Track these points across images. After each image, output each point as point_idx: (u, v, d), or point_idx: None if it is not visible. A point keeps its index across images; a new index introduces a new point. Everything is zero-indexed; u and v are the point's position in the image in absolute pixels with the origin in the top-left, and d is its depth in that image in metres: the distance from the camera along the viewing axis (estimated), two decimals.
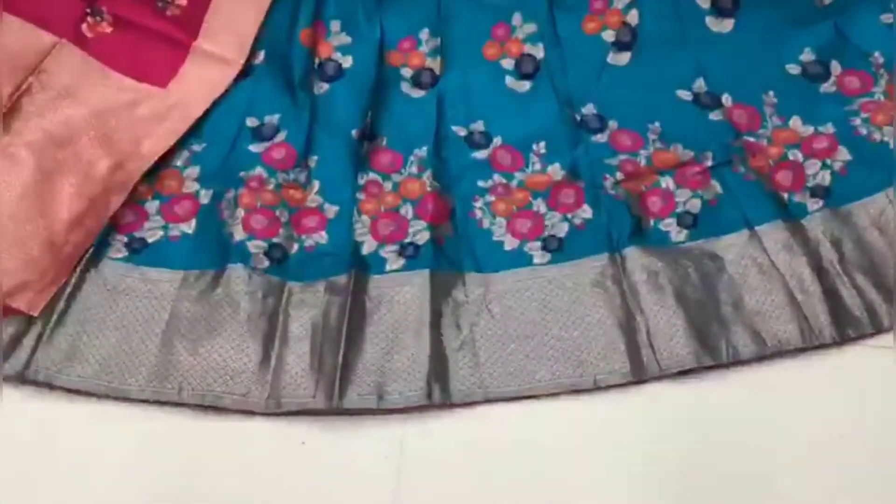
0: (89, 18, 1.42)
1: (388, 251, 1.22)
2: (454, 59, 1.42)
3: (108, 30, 1.43)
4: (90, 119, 1.34)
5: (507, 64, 1.42)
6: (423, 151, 1.31)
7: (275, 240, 1.22)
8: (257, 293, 1.16)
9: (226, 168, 1.27)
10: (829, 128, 1.31)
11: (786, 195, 1.26)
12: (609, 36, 1.42)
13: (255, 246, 1.21)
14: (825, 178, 1.27)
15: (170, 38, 1.42)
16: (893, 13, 1.39)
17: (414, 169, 1.29)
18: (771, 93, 1.36)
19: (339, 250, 1.21)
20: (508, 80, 1.40)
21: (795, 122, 1.33)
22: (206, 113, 1.36)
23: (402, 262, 1.20)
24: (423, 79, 1.40)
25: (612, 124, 1.35)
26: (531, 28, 1.43)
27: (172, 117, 1.35)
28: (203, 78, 1.40)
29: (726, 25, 1.41)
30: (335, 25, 1.43)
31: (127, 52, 1.41)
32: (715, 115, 1.34)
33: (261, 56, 1.40)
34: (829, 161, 1.28)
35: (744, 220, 1.24)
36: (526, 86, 1.40)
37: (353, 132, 1.31)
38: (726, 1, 1.41)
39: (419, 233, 1.23)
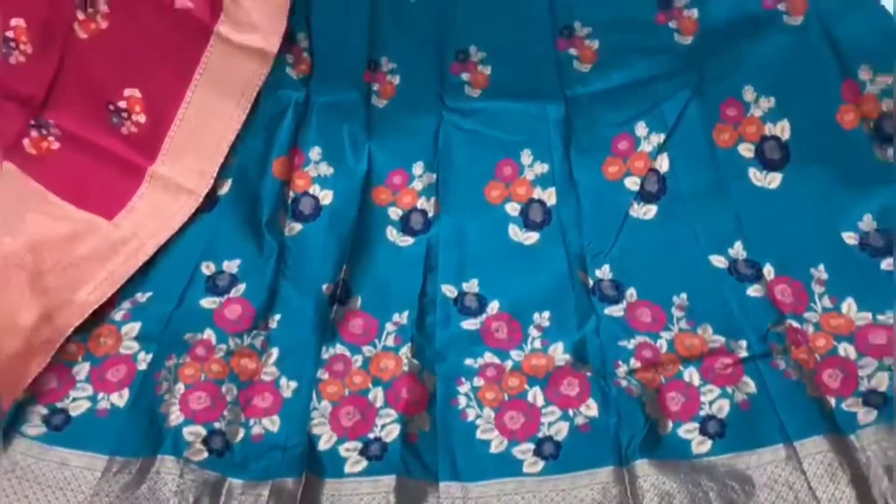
0: (33, 132, 1.24)
1: (349, 448, 1.03)
2: (451, 199, 1.25)
3: (55, 146, 1.25)
4: (23, 254, 1.17)
5: (512, 210, 1.23)
6: (403, 318, 1.12)
7: (216, 425, 1.04)
8: (188, 494, 0.97)
9: (170, 328, 1.10)
10: (891, 317, 1.08)
11: (832, 401, 1.06)
12: (633, 183, 1.23)
13: (193, 433, 1.03)
14: (882, 382, 1.07)
15: (123, 161, 1.26)
16: None
17: (390, 341, 1.11)
18: (822, 266, 1.15)
19: (291, 442, 1.03)
20: (512, 229, 1.22)
21: (850, 306, 1.12)
22: (156, 253, 1.15)
23: (364, 463, 1.03)
24: (413, 223, 1.22)
25: (631, 293, 1.15)
26: (542, 168, 1.24)
27: (116, 258, 1.18)
28: (157, 210, 1.22)
29: (773, 180, 1.21)
30: (315, 153, 1.26)
31: (73, 175, 1.25)
32: (754, 291, 1.14)
33: (227, 185, 1.23)
34: (887, 362, 1.06)
35: (781, 430, 1.05)
36: (532, 238, 1.21)
37: (324, 287, 1.13)
38: (773, 150, 1.21)
39: (388, 426, 1.04)
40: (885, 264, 1.17)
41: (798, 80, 1.22)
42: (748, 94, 1.24)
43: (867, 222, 1.19)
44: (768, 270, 1.18)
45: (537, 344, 1.14)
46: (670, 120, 1.26)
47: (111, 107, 1.28)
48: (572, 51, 1.28)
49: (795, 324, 1.14)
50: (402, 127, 1.31)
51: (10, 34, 1.26)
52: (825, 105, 1.22)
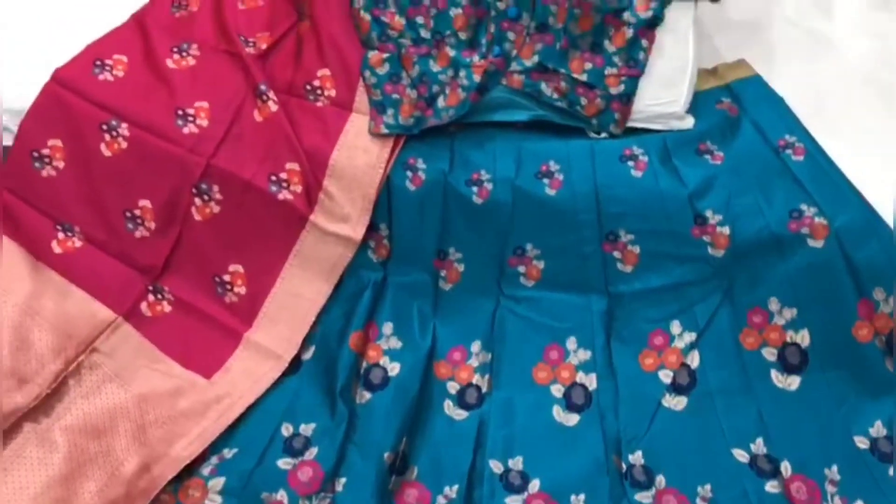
0: (150, 297, 1.45)
1: None
2: (503, 377, 1.42)
3: (167, 309, 1.46)
4: (131, 407, 1.36)
5: (557, 391, 1.38)
6: (453, 491, 1.27)
7: None
8: None
9: (250, 485, 1.26)
10: None
11: None
12: (666, 376, 1.38)
13: None
14: None
15: (223, 326, 1.46)
16: None
17: None
18: (835, 468, 1.28)
19: None
20: (556, 410, 1.37)
21: None
22: (244, 413, 1.32)
23: None
24: (469, 397, 1.38)
25: (660, 480, 1.29)
26: (586, 355, 1.40)
27: (210, 415, 1.36)
28: (249, 372, 1.41)
29: (792, 383, 1.36)
30: (388, 328, 1.43)
31: (180, 336, 1.45)
32: (771, 486, 1.28)
33: (310, 352, 1.41)
34: None
35: None
36: (573, 419, 1.36)
37: (386, 455, 1.28)
38: (794, 356, 1.35)
39: None
40: (893, 471, 1.28)
41: (819, 296, 1.37)
42: (773, 304, 1.39)
43: (878, 428, 1.32)
44: (785, 467, 1.30)
45: None
46: (702, 321, 1.42)
47: (217, 279, 1.48)
48: (616, 254, 1.45)
49: None
50: (464, 309, 1.48)
51: (137, 212, 1.48)
52: (842, 319, 1.36)
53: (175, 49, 1.57)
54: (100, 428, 1.35)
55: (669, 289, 1.44)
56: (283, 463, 1.33)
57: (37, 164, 1.49)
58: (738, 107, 1.54)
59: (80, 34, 1.56)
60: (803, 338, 1.38)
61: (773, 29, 1.71)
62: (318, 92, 1.53)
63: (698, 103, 1.53)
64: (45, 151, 1.49)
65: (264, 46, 1.57)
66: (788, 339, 1.39)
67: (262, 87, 1.51)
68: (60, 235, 1.49)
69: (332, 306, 1.48)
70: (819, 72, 1.62)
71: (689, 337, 1.42)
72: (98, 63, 1.53)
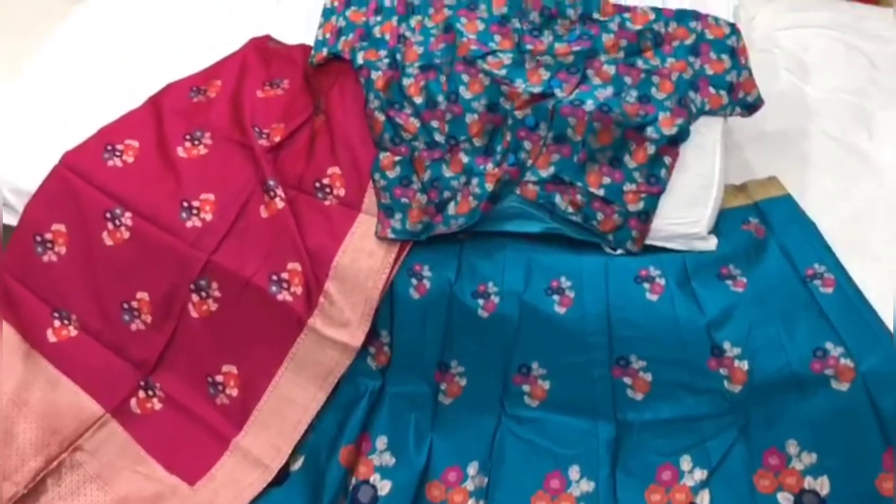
0: (141, 392, 1.41)
1: None
2: None
3: (157, 407, 1.41)
4: None
5: None
6: None
7: None
8: None
9: None
10: None
11: None
12: None
13: None
14: None
15: (212, 429, 1.42)
16: None
17: None
18: None
19: None
20: None
21: None
22: None
23: None
24: None
25: None
26: (588, 486, 1.32)
27: None
28: (234, 481, 1.36)
29: None
30: (381, 442, 1.38)
31: (168, 437, 1.41)
32: None
33: (299, 462, 1.37)
34: None
35: None
36: None
37: None
38: None
39: None
40: None
41: (841, 443, 1.28)
42: (791, 447, 1.30)
43: None
44: None
45: None
46: (714, 458, 1.33)
47: (210, 379, 1.44)
48: (627, 379, 1.37)
49: None
50: (464, 425, 1.41)
51: (134, 304, 1.44)
52: (866, 470, 1.27)
53: (188, 136, 1.54)
54: None
55: (681, 421, 1.35)
56: None
57: (39, 249, 1.47)
58: (766, 228, 1.46)
59: (93, 116, 1.55)
60: (822, 485, 1.28)
61: (808, 142, 1.63)
62: (328, 190, 1.48)
63: (723, 222, 1.46)
64: (48, 236, 1.47)
65: (277, 139, 1.53)
66: (806, 486, 1.29)
67: (271, 183, 1.47)
68: (56, 323, 1.46)
69: (326, 414, 1.42)
70: (856, 192, 1.54)
71: (700, 474, 1.32)
72: (109, 148, 1.51)
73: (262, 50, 1.70)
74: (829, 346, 1.31)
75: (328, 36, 1.57)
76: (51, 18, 1.83)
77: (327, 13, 1.60)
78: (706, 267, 1.41)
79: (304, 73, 1.63)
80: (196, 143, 1.53)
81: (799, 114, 1.67)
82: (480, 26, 1.49)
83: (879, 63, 1.79)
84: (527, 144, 1.42)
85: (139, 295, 1.46)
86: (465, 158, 1.44)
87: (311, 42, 1.63)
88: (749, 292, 1.38)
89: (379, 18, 1.54)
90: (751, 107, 1.48)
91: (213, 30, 1.75)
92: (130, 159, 1.51)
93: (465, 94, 1.43)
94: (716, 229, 1.44)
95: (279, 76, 1.64)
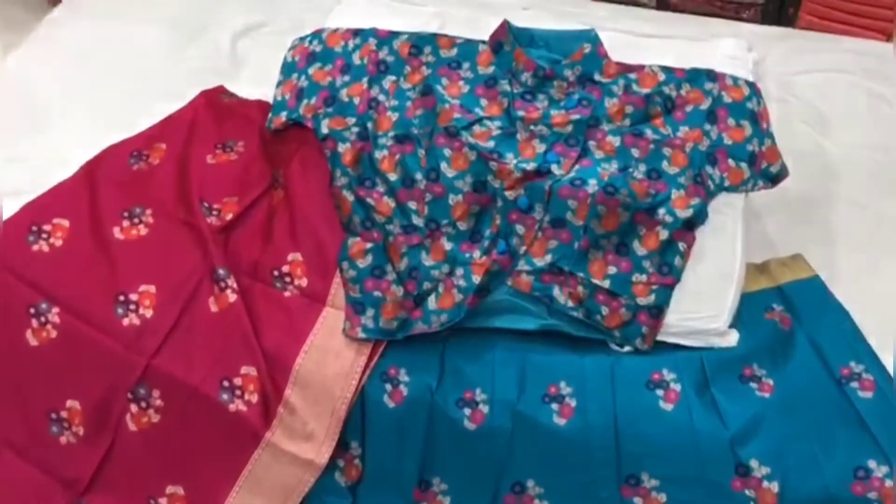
0: None
1: None
2: None
3: None
4: None
5: None
6: None
7: None
8: None
9: None
10: None
11: None
12: None
13: None
14: None
15: None
16: None
17: None
18: None
19: None
20: None
21: None
22: None
23: None
24: None
25: None
26: None
27: None
28: None
29: None
30: None
31: None
32: None
33: None
34: None
35: None
36: None
37: None
38: None
39: None
40: None
41: None
42: None
43: None
44: None
45: None
46: None
47: (152, 501, 1.23)
48: (637, 500, 1.19)
49: None
50: None
51: (63, 414, 1.23)
52: None
53: (125, 214, 1.33)
54: None
55: None
56: None
57: None
58: (792, 317, 1.27)
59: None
60: None
61: (832, 210, 1.44)
62: (287, 280, 1.28)
63: (744, 309, 1.26)
64: None
65: (229, 216, 1.32)
66: None
67: (221, 272, 1.26)
68: None
69: None
70: (888, 268, 1.35)
71: None
72: (34, 229, 1.30)
73: (215, 105, 1.48)
74: (871, 464, 1.13)
75: (288, 97, 1.36)
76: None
77: (287, 69, 1.39)
78: (727, 368, 1.22)
79: (261, 135, 1.42)
80: (135, 221, 1.32)
81: (820, 176, 1.49)
82: (464, 88, 1.29)
83: None
84: (519, 229, 1.22)
85: (69, 403, 1.24)
86: (447, 245, 1.23)
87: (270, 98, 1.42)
88: (777, 398, 1.19)
89: (346, 79, 1.33)
90: (775, 178, 1.29)
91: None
92: (59, 242, 1.29)
93: (448, 171, 1.23)
94: (736, 319, 1.25)
95: (233, 137, 1.43)
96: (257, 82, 1.55)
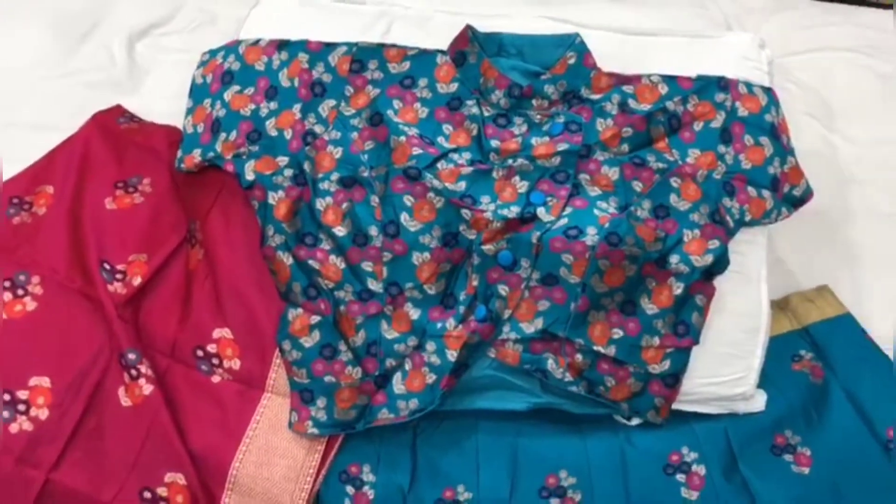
0: None
1: None
2: None
3: None
4: None
5: None
6: None
7: None
8: None
9: None
10: None
11: None
12: None
13: None
14: None
15: None
16: None
17: None
18: None
19: None
20: None
21: None
22: None
23: None
24: None
25: None
26: None
27: None
28: None
29: None
30: None
31: None
32: None
33: None
34: None
35: None
36: None
37: None
38: None
39: None
40: None
41: None
42: None
43: None
44: None
45: None
46: None
47: None
48: None
49: None
50: None
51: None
52: None
53: (7, 284, 1.03)
54: None
55: None
56: None
57: None
58: (824, 366, 1.06)
59: None
60: None
61: (852, 222, 1.22)
62: (215, 361, 1.01)
63: (768, 360, 1.04)
64: None
65: (137, 281, 1.04)
66: None
67: (131, 356, 0.99)
68: None
69: None
70: None
71: None
72: None
73: (111, 133, 1.18)
74: None
75: (201, 129, 1.07)
76: None
77: (197, 93, 1.09)
78: (757, 439, 1.00)
79: (171, 171, 1.13)
80: (19, 293, 1.03)
81: (834, 181, 1.26)
82: (422, 112, 1.01)
83: None
84: (502, 290, 0.97)
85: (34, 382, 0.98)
86: (414, 313, 0.97)
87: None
88: (816, 472, 0.99)
89: (273, 106, 1.04)
90: (798, 202, 1.06)
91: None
92: None
93: (410, 223, 0.96)
94: (761, 375, 1.03)
95: (137, 173, 1.13)
96: (163, 95, 1.25)
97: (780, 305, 1.12)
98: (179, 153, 1.08)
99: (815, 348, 1.09)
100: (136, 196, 1.13)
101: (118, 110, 1.24)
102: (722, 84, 1.04)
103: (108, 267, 1.06)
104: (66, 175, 1.14)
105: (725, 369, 1.00)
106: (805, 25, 1.50)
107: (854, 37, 1.49)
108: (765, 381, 1.05)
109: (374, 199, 0.98)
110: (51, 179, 1.14)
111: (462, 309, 0.97)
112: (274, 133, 1.03)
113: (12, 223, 1.11)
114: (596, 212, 0.97)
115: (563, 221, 0.96)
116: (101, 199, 1.12)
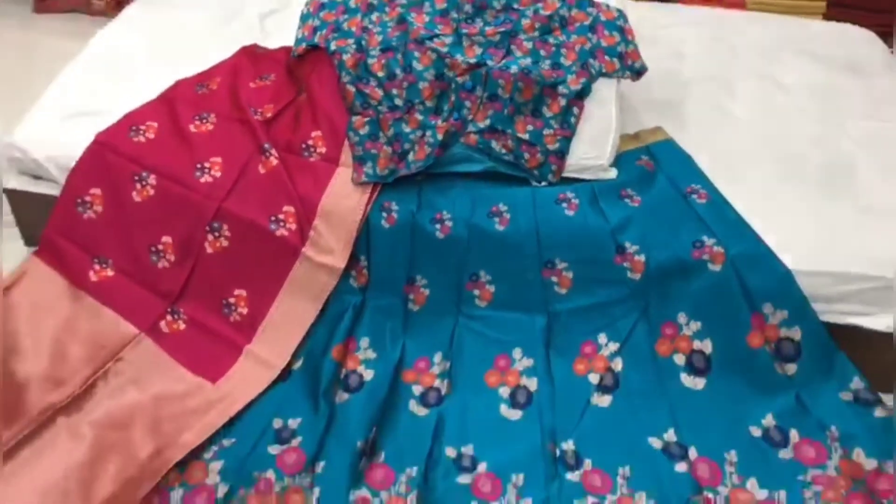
0: (168, 317, 1.60)
1: None
2: (459, 382, 1.56)
3: (182, 327, 1.60)
4: (148, 405, 1.48)
5: (504, 392, 1.53)
6: (413, 471, 1.39)
7: None
8: None
9: (244, 467, 1.38)
10: (782, 495, 1.32)
11: None
12: (594, 378, 1.52)
13: None
14: None
15: (228, 340, 1.60)
16: (851, 392, 1.41)
17: (402, 488, 1.35)
18: (733, 452, 1.42)
19: None
20: (502, 407, 1.51)
21: (752, 484, 1.38)
22: (242, 410, 1.45)
23: None
24: (430, 398, 1.51)
25: (587, 463, 1.41)
26: (528, 363, 1.54)
27: (213, 412, 1.49)
28: (248, 378, 1.54)
29: (698, 383, 1.49)
30: (365, 342, 1.58)
31: (192, 348, 1.60)
32: (680, 466, 1.40)
33: (299, 363, 1.55)
34: None
35: None
36: (517, 415, 1.50)
37: (359, 443, 1.40)
38: (700, 361, 1.49)
39: None
40: (781, 454, 1.41)
41: (718, 311, 1.54)
42: (681, 318, 1.55)
43: (769, 420, 1.45)
44: (692, 451, 1.43)
45: (512, 498, 1.38)
46: (623, 333, 1.58)
47: (224, 301, 1.65)
48: (553, 279, 1.61)
49: (710, 495, 1.38)
50: (429, 326, 1.65)
51: (160, 247, 1.65)
52: (738, 330, 1.53)
53: (196, 117, 1.77)
54: (121, 422, 1.48)
55: (596, 307, 1.60)
56: (273, 449, 1.46)
57: (80, 209, 1.67)
58: (654, 163, 1.73)
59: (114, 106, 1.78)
60: (707, 346, 1.53)
61: (685, 105, 1.92)
62: (312, 149, 1.72)
63: (621, 161, 1.73)
64: (87, 198, 1.68)
65: (269, 115, 1.77)
66: (695, 347, 1.54)
67: (266, 146, 1.70)
68: (97, 267, 1.66)
69: (318, 325, 1.63)
70: (722, 137, 1.82)
71: (613, 346, 1.57)
72: (133, 128, 1.73)
73: (251, 54, 1.95)
74: (704, 238, 1.58)
75: (306, 34, 1.83)
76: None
77: (304, 17, 1.87)
78: (610, 190, 1.67)
79: (287, 67, 1.88)
80: (204, 121, 1.76)
81: (678, 86, 1.97)
82: (426, 18, 1.76)
83: (739, 50, 2.11)
84: (467, 103, 1.68)
85: (164, 239, 1.67)
86: (420, 117, 1.69)
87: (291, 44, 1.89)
88: (643, 206, 1.65)
89: (346, 16, 1.80)
90: (638, 72, 1.76)
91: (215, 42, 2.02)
92: (152, 136, 1.73)
93: (418, 66, 1.69)
94: (616, 165, 1.71)
95: (267, 72, 1.89)
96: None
97: (632, 136, 1.81)
98: (293, 48, 1.83)
99: (650, 155, 1.76)
100: (267, 82, 1.87)
101: (255, 45, 2.00)
102: (591, 3, 1.78)
103: (253, 109, 1.78)
104: (227, 73, 1.89)
105: (591, 151, 1.69)
106: (670, 9, 2.26)
107: (701, 16, 2.23)
108: (619, 168, 1.71)
109: (399, 56, 1.71)
110: (218, 75, 1.90)
111: (445, 114, 1.69)
112: (346, 29, 1.78)
113: (198, 94, 1.85)
114: (519, 62, 1.68)
115: (500, 65, 1.67)
116: (247, 83, 1.87)
